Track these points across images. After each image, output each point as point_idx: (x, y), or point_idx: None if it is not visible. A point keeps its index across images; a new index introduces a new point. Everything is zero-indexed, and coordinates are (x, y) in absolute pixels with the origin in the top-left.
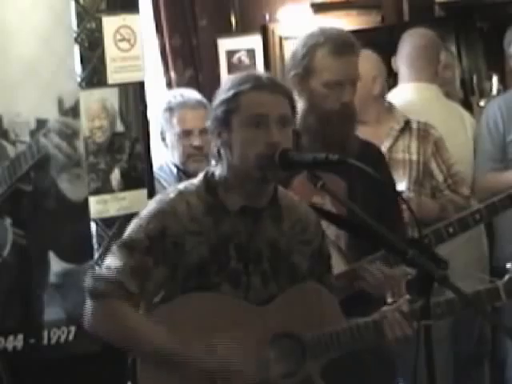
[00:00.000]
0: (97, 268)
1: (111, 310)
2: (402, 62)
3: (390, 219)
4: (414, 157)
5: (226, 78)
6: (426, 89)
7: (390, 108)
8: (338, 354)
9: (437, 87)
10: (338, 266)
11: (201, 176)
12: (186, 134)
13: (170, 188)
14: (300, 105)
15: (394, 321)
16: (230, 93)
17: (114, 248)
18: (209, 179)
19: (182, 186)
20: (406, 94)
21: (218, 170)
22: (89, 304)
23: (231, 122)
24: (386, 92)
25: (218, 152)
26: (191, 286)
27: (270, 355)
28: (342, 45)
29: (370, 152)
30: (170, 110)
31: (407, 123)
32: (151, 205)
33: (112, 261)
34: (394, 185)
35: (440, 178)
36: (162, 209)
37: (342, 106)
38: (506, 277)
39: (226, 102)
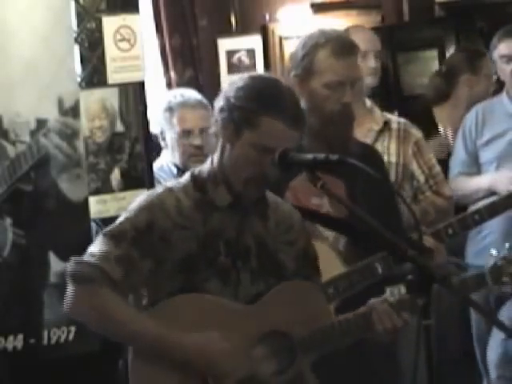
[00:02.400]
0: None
1: (92, 293)
2: None
3: (391, 219)
4: (394, 158)
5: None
6: None
7: (371, 109)
8: (329, 349)
9: None
10: (336, 268)
11: (187, 175)
12: (186, 133)
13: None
14: None
15: (383, 312)
16: (254, 105)
17: (100, 237)
18: (196, 177)
19: (169, 183)
20: None
21: (207, 164)
22: (70, 288)
23: (242, 132)
24: (365, 93)
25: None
26: (178, 283)
27: (259, 353)
28: (342, 45)
29: (370, 153)
30: (170, 109)
31: (386, 124)
32: (140, 198)
33: (96, 248)
34: (392, 186)
35: (421, 178)
36: (151, 202)
37: (343, 107)
38: (491, 262)
39: (248, 112)
